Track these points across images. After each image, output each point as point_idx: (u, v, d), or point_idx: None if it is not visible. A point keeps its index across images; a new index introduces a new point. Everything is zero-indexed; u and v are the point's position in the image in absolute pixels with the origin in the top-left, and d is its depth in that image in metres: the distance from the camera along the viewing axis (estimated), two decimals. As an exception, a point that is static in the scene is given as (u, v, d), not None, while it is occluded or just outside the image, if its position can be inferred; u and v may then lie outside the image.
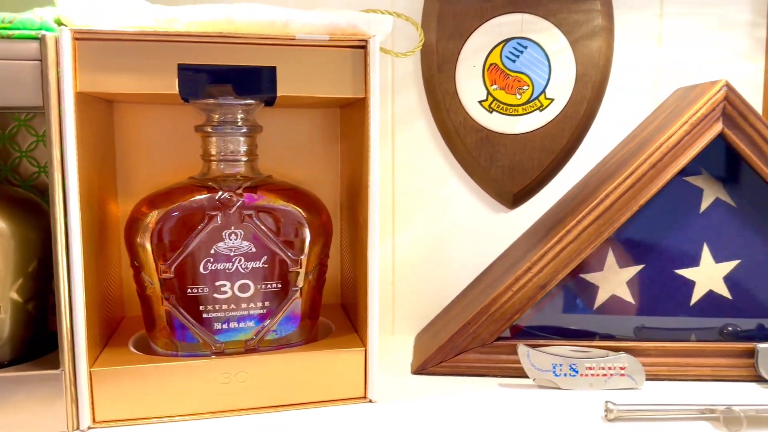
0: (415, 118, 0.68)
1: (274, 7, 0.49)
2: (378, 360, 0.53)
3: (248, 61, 0.49)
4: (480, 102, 0.65)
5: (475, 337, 0.59)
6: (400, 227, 0.70)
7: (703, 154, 0.57)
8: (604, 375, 0.56)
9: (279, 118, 0.64)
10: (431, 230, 0.70)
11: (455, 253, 0.70)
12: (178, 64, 0.47)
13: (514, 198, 0.67)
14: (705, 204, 0.59)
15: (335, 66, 0.50)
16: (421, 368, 0.60)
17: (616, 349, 0.57)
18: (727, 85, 0.54)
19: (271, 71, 0.49)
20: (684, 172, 0.59)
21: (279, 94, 0.50)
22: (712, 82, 0.56)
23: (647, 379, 0.57)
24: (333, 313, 0.64)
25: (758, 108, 0.65)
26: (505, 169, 0.66)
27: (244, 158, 0.54)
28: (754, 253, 0.59)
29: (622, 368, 0.56)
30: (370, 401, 0.53)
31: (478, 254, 0.69)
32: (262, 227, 0.52)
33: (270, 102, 0.53)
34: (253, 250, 0.52)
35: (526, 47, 0.64)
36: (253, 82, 0.49)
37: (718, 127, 0.55)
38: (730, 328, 0.59)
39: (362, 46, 0.50)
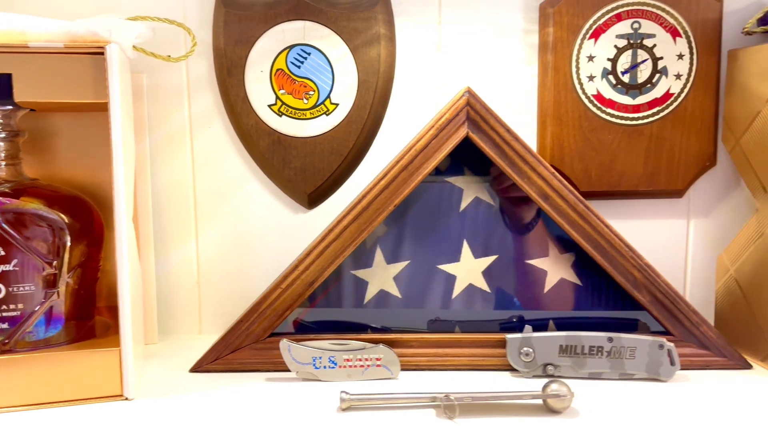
0: (213, 121, 0.70)
1: (12, 15, 0.50)
2: (133, 359, 0.54)
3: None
4: (269, 106, 0.67)
5: (249, 334, 0.61)
6: (202, 227, 0.71)
7: (466, 155, 0.61)
8: (362, 366, 0.59)
9: (64, 121, 0.65)
10: (234, 230, 0.72)
11: (258, 252, 0.72)
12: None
13: (310, 198, 0.70)
14: (465, 203, 0.63)
15: (74, 72, 0.52)
16: (197, 366, 0.61)
17: (386, 342, 0.60)
18: (469, 92, 0.58)
19: (7, 78, 0.51)
20: (446, 172, 0.63)
21: (18, 99, 0.51)
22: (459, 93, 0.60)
23: (409, 370, 0.60)
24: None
25: (534, 109, 0.69)
26: (297, 170, 0.69)
27: (3, 163, 0.55)
28: (510, 248, 0.63)
29: (378, 359, 0.59)
30: (126, 399, 0.55)
31: (280, 253, 0.71)
32: (11, 231, 0.53)
33: (25, 107, 0.54)
34: (2, 253, 0.53)
35: (309, 53, 0.67)
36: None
37: (463, 131, 0.58)
38: (488, 320, 0.63)
39: (100, 53, 0.51)
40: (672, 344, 0.57)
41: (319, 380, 0.58)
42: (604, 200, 0.69)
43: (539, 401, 0.52)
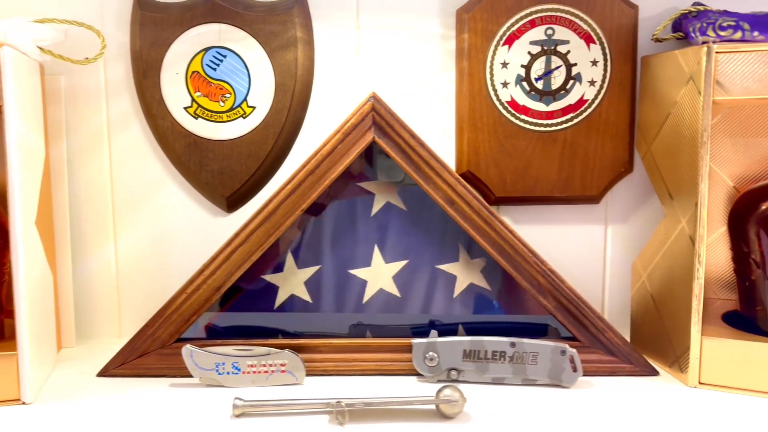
0: (130, 123, 0.69)
1: None
2: (34, 362, 0.54)
3: None
4: (185, 108, 0.67)
5: (155, 339, 0.61)
6: (121, 230, 0.71)
7: (378, 160, 0.61)
8: (266, 372, 0.58)
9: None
10: (153, 233, 0.71)
11: (178, 256, 0.71)
12: None
13: (228, 202, 0.69)
14: (376, 208, 0.63)
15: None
16: (103, 371, 0.61)
17: (294, 347, 0.59)
18: (375, 97, 0.58)
19: None
20: (359, 177, 0.63)
21: None
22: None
23: (317, 375, 0.60)
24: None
25: (452, 115, 0.69)
26: (215, 173, 0.68)
27: None
28: (420, 253, 0.63)
29: (282, 365, 0.58)
30: (24, 403, 0.55)
31: (199, 256, 0.69)
32: None
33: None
34: None
35: (225, 56, 0.66)
36: None
37: (369, 136, 0.58)
38: (397, 324, 0.63)
39: (-9, 55, 0.51)
40: (574, 350, 0.57)
41: (223, 386, 0.58)
42: (523, 205, 0.70)
43: (432, 407, 0.52)
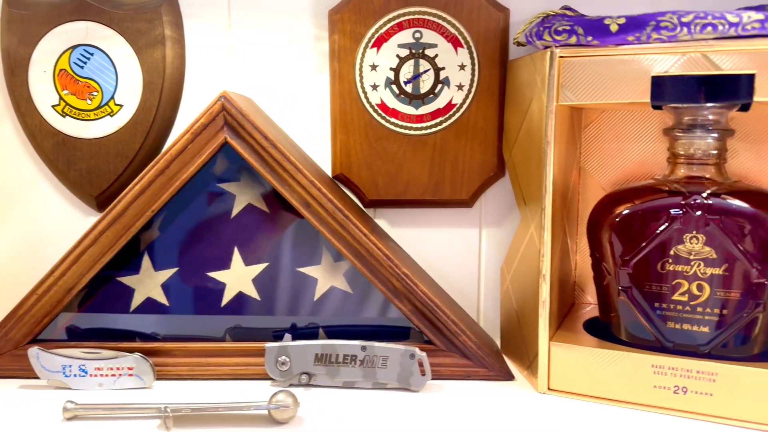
0: (2, 121, 0.68)
1: None
2: None
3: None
4: (53, 106, 0.66)
5: (8, 340, 0.60)
6: (-8, 230, 0.70)
7: (240, 160, 0.60)
8: (113, 375, 0.58)
9: None
10: (25, 233, 0.70)
11: (50, 256, 0.69)
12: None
13: (98, 201, 0.68)
14: (237, 209, 0.62)
15: None
16: (-46, 372, 0.60)
17: (147, 351, 0.59)
18: (225, 97, 0.57)
19: None
20: (219, 178, 0.62)
21: None
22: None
23: (170, 379, 0.60)
24: None
25: (326, 116, 0.68)
26: (83, 172, 0.67)
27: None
28: (282, 255, 0.62)
29: (129, 369, 0.58)
30: None
31: None
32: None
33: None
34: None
35: (92, 54, 0.65)
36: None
37: (222, 137, 0.58)
38: (254, 328, 0.63)
39: None
40: (424, 354, 0.57)
41: (71, 389, 0.57)
42: (399, 209, 0.69)
43: (265, 412, 0.52)
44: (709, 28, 0.47)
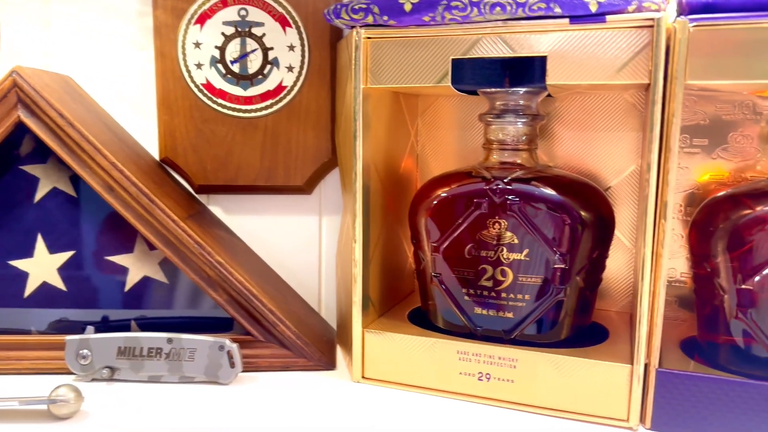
0: None
1: None
2: None
3: None
4: None
5: None
6: None
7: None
8: None
9: None
10: None
11: None
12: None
13: None
14: (41, 193, 0.58)
15: None
16: None
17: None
18: (17, 72, 0.53)
19: None
20: (23, 160, 0.58)
21: None
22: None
23: (-36, 375, 0.56)
24: None
25: (152, 96, 0.65)
26: None
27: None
28: (90, 243, 0.59)
29: None
30: None
31: None
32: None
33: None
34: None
35: None
36: None
37: (15, 115, 0.53)
38: (63, 320, 0.59)
39: None
40: (235, 345, 0.55)
41: None
42: (234, 194, 0.67)
43: (45, 407, 0.48)
44: (498, 8, 0.46)
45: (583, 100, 0.61)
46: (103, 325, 0.59)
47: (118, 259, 0.59)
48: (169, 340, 0.55)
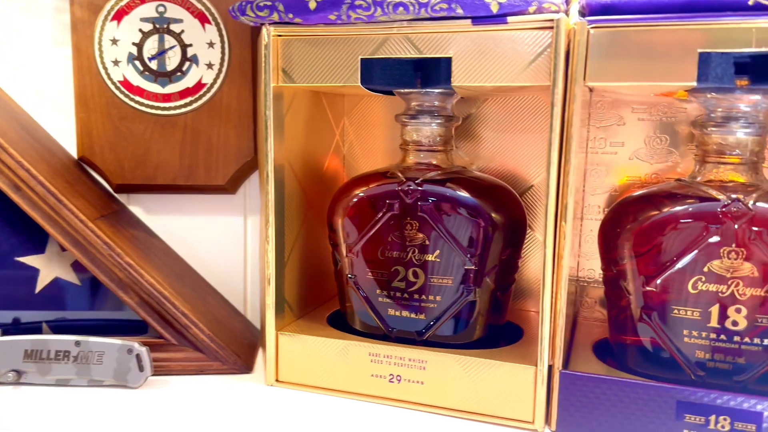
0: None
1: None
2: None
3: None
4: None
5: None
6: None
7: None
8: None
9: None
10: None
11: None
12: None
13: None
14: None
15: None
16: None
17: None
18: None
19: None
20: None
21: None
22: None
23: None
24: None
25: (71, 94, 0.63)
26: None
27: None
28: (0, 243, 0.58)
29: None
30: None
31: None
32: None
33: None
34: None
35: None
36: None
37: None
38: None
39: None
40: (144, 348, 0.53)
41: None
42: (155, 194, 0.66)
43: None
44: (401, 8, 0.45)
45: (506, 101, 0.61)
46: (14, 327, 0.58)
47: (29, 260, 0.57)
48: (77, 343, 0.53)
